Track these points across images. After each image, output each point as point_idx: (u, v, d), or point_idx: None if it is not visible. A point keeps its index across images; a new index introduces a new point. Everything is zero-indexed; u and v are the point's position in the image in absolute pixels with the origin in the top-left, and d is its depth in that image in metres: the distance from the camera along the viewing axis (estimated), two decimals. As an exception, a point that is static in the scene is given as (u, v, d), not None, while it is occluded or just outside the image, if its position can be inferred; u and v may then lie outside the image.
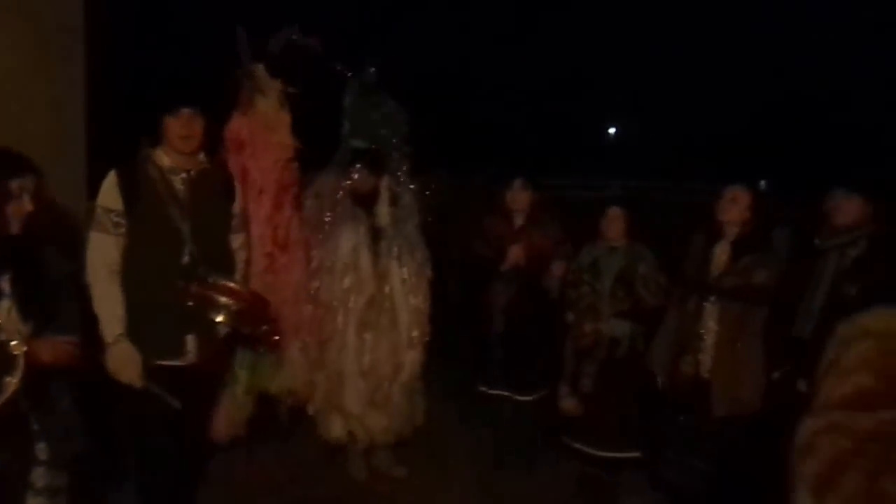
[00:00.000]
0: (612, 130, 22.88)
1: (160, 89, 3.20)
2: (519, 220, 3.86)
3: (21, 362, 2.26)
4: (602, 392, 3.46)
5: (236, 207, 2.98)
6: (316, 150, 3.85)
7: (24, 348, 2.28)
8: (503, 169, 4.11)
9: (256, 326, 2.91)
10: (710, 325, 3.31)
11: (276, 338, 3.16)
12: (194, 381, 2.78)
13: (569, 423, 3.59)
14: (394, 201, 3.66)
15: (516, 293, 3.78)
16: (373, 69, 3.73)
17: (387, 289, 3.60)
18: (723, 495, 3.35)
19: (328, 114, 3.85)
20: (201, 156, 2.87)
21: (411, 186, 3.75)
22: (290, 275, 3.57)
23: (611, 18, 18.22)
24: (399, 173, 3.70)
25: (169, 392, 2.66)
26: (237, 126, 3.47)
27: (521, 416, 3.90)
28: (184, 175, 2.78)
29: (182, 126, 2.74)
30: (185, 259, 2.71)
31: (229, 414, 3.49)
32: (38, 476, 2.36)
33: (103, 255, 2.68)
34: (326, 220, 3.63)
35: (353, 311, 3.55)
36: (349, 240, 3.56)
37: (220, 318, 2.74)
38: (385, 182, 3.65)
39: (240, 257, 3.04)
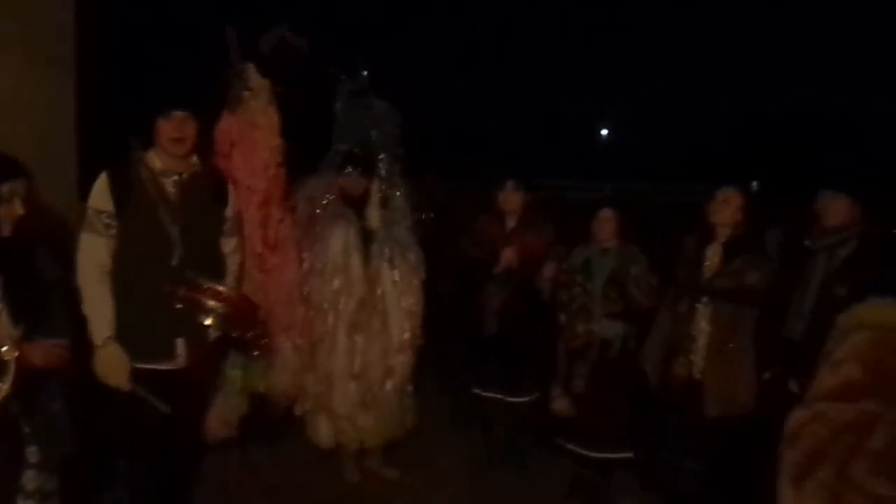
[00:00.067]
0: (604, 132, 22.95)
1: (151, 91, 3.19)
2: (511, 222, 3.87)
3: (12, 367, 2.26)
4: (594, 393, 3.47)
5: (229, 211, 2.97)
6: (307, 151, 3.85)
7: (16, 353, 2.27)
8: (496, 170, 4.12)
9: (245, 330, 2.89)
10: (703, 327, 3.32)
11: (265, 341, 3.15)
12: (184, 384, 2.77)
13: (561, 423, 3.60)
14: (384, 203, 3.65)
15: (509, 295, 3.78)
16: (365, 71, 3.73)
17: (378, 291, 3.59)
18: (715, 496, 3.36)
19: (319, 115, 3.85)
20: (193, 158, 2.86)
21: (402, 188, 3.75)
22: (282, 276, 3.56)
23: (604, 21, 18.30)
24: (390, 175, 3.70)
25: (157, 395, 2.64)
26: (227, 126, 3.46)
27: (513, 418, 3.91)
28: (175, 178, 2.77)
29: (174, 129, 2.73)
30: (175, 262, 2.70)
31: (223, 415, 3.48)
32: (29, 479, 2.36)
33: (93, 256, 2.67)
34: (317, 221, 3.63)
35: (343, 314, 3.55)
36: (339, 242, 3.55)
37: (208, 322, 2.73)
38: (375, 184, 3.65)
39: (234, 261, 3.03)
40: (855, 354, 1.64)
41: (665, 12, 17.74)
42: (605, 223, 3.56)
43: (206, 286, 2.70)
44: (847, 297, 2.90)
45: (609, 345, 3.48)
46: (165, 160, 2.77)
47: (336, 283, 3.54)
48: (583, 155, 18.24)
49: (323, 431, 3.67)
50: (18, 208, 2.37)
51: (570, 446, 3.57)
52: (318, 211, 3.65)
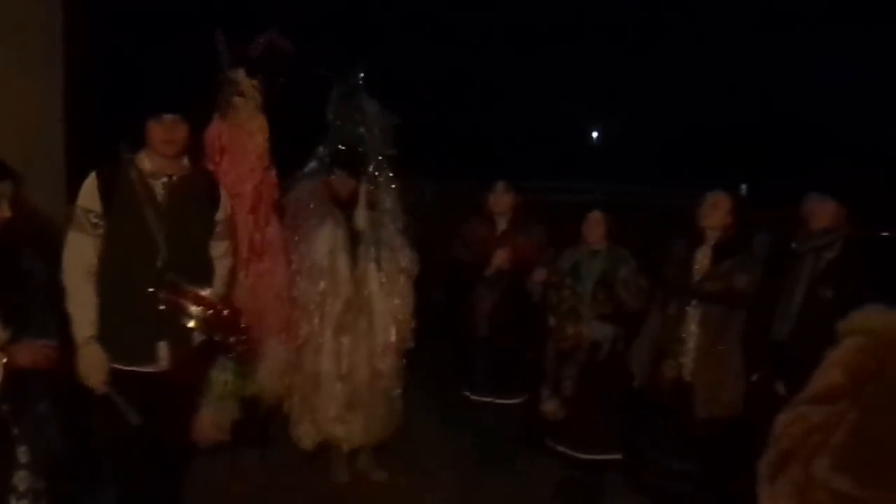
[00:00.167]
0: (594, 135, 23.02)
1: (141, 93, 3.18)
2: (502, 224, 3.87)
3: (0, 368, 2.26)
4: (583, 395, 3.48)
5: (220, 214, 2.96)
6: (298, 153, 3.85)
7: (4, 360, 2.29)
8: (487, 172, 4.12)
9: (227, 335, 2.87)
10: (692, 329, 3.34)
11: (247, 347, 3.13)
12: (168, 387, 2.76)
13: (551, 425, 3.61)
14: (371, 205, 3.65)
15: (500, 297, 3.78)
16: (361, 73, 3.72)
17: (365, 292, 3.59)
18: (704, 497, 3.38)
19: (310, 117, 3.85)
20: (184, 161, 2.85)
21: (392, 189, 3.74)
22: (272, 280, 3.55)
23: (596, 24, 18.34)
24: (379, 176, 3.70)
25: (133, 403, 2.65)
26: (216, 132, 3.45)
27: (503, 419, 3.91)
28: (165, 179, 2.77)
29: (164, 131, 2.72)
30: (159, 264, 2.69)
31: (214, 420, 3.47)
32: (21, 479, 2.38)
33: (80, 255, 2.68)
34: (305, 222, 3.62)
35: (329, 315, 3.54)
36: (326, 242, 3.55)
37: (190, 325, 2.72)
38: (364, 185, 3.64)
39: (223, 264, 3.02)
40: (841, 359, 1.71)
41: (657, 16, 17.82)
42: (595, 225, 3.57)
43: (188, 290, 2.69)
44: (833, 300, 2.93)
45: (598, 347, 3.49)
46: (156, 162, 2.77)
47: (322, 283, 3.53)
48: (573, 157, 18.28)
49: (308, 433, 3.65)
50: (5, 210, 2.38)
51: (560, 448, 3.58)
52: (306, 212, 3.64)
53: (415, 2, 15.47)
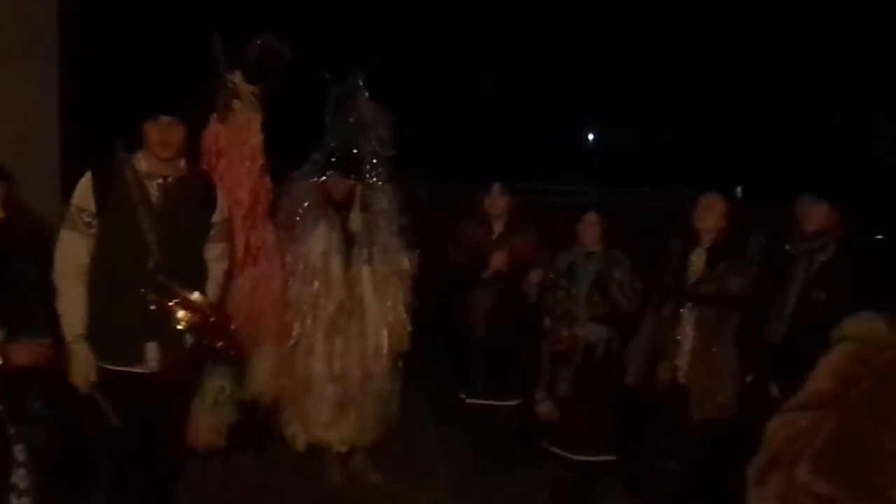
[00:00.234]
0: (590, 136, 23.07)
1: (137, 94, 3.18)
2: (499, 226, 3.87)
3: None
4: (578, 396, 3.49)
5: (217, 217, 2.95)
6: (294, 155, 3.84)
7: (0, 361, 2.31)
8: (481, 174, 4.12)
9: (214, 340, 2.86)
10: (687, 331, 3.35)
11: (234, 352, 3.12)
12: (159, 389, 2.76)
13: (545, 427, 3.61)
14: (364, 206, 3.64)
15: (498, 299, 3.79)
16: (360, 74, 3.72)
17: (357, 294, 3.58)
18: (697, 498, 3.39)
19: (307, 119, 3.85)
20: (181, 162, 2.85)
21: (389, 191, 3.74)
22: (268, 284, 3.54)
23: (591, 25, 18.38)
24: (373, 178, 3.70)
25: (132, 399, 2.66)
26: (213, 133, 3.45)
27: (497, 421, 3.91)
28: (160, 181, 2.77)
29: (161, 133, 2.73)
30: (150, 266, 2.69)
31: (211, 422, 3.47)
32: (21, 477, 2.41)
33: (71, 253, 2.69)
34: (300, 224, 3.62)
35: (321, 316, 3.54)
36: (320, 244, 3.55)
37: (179, 327, 2.72)
38: (359, 186, 3.64)
39: (218, 267, 3.01)
40: (830, 366, 1.74)
41: (652, 18, 17.88)
42: (590, 227, 3.58)
43: (176, 294, 2.69)
44: (826, 302, 2.95)
45: (593, 348, 3.49)
46: (152, 163, 2.77)
47: (315, 285, 3.53)
48: (569, 159, 18.31)
49: (300, 434, 3.65)
50: (-1, 211, 2.37)
51: (554, 449, 3.59)
52: (300, 213, 3.64)
53: (411, 3, 15.48)
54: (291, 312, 3.57)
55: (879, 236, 5.81)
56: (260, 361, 3.54)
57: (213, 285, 2.98)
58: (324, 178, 3.64)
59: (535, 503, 3.73)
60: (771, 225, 3.96)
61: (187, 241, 2.86)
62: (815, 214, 3.16)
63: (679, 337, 3.36)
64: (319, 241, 3.55)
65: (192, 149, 3.00)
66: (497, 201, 3.85)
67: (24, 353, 2.38)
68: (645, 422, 3.55)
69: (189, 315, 2.69)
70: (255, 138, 3.47)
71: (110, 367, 2.70)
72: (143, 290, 2.65)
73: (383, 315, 3.62)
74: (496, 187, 3.85)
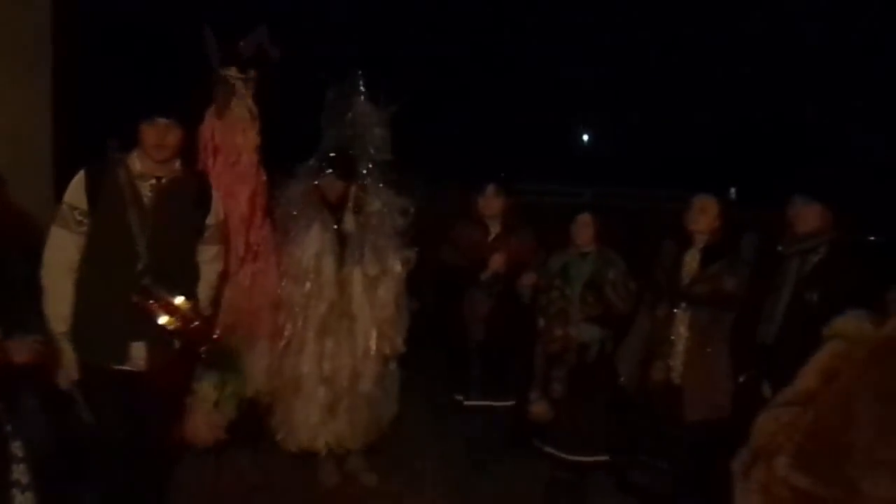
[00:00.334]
0: (585, 137, 23.13)
1: (132, 94, 3.18)
2: (495, 227, 3.88)
3: None
4: (572, 396, 3.50)
5: (211, 219, 2.94)
6: (291, 155, 3.85)
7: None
8: (475, 175, 4.12)
9: (195, 346, 2.84)
10: (681, 332, 3.36)
11: (216, 359, 3.14)
12: (148, 388, 2.76)
13: (539, 427, 3.62)
14: (359, 208, 3.64)
15: (496, 301, 3.79)
16: (359, 75, 3.73)
17: (349, 295, 3.58)
18: (692, 498, 3.40)
19: (305, 118, 3.85)
20: (176, 163, 2.84)
21: (384, 192, 3.73)
22: (265, 281, 3.55)
23: (586, 26, 18.43)
24: (368, 180, 3.70)
25: (120, 397, 2.68)
26: (209, 129, 3.45)
27: (492, 421, 3.92)
28: (153, 181, 2.76)
29: (157, 135, 2.72)
30: (139, 267, 2.69)
31: (211, 418, 3.47)
32: (22, 473, 2.43)
33: (61, 251, 2.69)
34: (294, 224, 3.62)
35: (312, 317, 3.54)
36: (313, 245, 3.54)
37: (163, 324, 2.72)
38: (352, 188, 3.64)
39: (212, 269, 3.01)
40: (818, 363, 1.78)
41: (646, 19, 17.95)
42: (584, 228, 3.58)
43: (160, 297, 2.68)
44: (818, 303, 2.96)
45: (586, 349, 3.50)
46: (146, 164, 2.77)
47: (307, 285, 3.53)
48: (563, 160, 18.34)
49: (291, 435, 3.64)
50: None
51: (548, 449, 3.59)
52: (295, 214, 3.64)
53: (406, 3, 15.50)
54: (284, 313, 3.57)
55: (871, 237, 5.84)
56: (257, 359, 3.55)
57: (205, 287, 2.98)
58: (319, 178, 3.64)
59: (529, 503, 3.73)
60: (764, 226, 3.98)
61: (178, 243, 2.85)
62: (808, 216, 3.17)
63: (673, 337, 3.37)
64: (313, 241, 3.55)
65: (187, 147, 2.99)
66: (491, 202, 3.86)
67: (24, 349, 2.40)
68: (638, 422, 3.56)
69: (171, 319, 2.68)
70: (252, 134, 3.47)
71: (97, 364, 2.70)
72: (127, 291, 2.65)
73: (374, 317, 3.61)
74: (490, 188, 3.86)
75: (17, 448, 2.43)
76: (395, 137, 3.80)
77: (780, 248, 3.26)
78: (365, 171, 3.70)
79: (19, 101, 3.72)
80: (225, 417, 3.52)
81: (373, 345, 3.61)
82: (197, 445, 3.48)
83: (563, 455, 3.54)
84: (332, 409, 3.60)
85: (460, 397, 3.92)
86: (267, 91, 3.52)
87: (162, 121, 2.72)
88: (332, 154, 3.64)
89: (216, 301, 3.19)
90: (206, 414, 3.44)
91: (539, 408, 3.59)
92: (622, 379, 3.54)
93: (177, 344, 2.83)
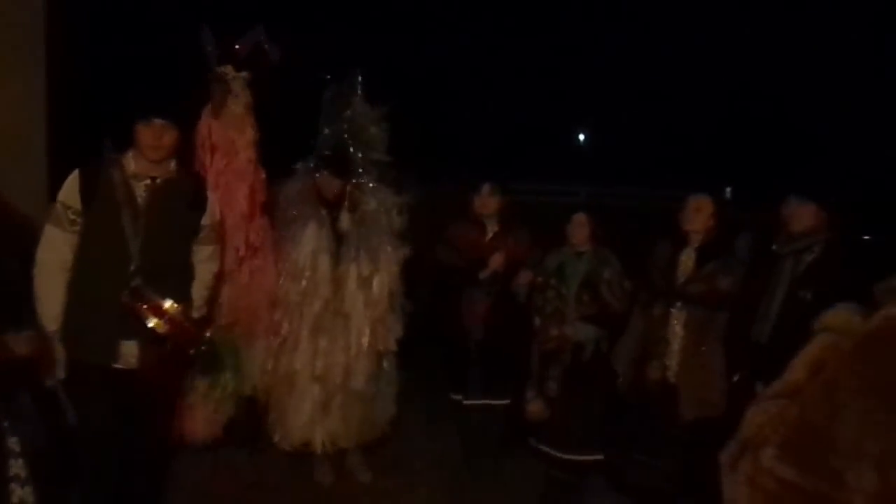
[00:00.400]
0: (581, 137, 23.16)
1: (132, 94, 3.17)
2: (493, 226, 3.88)
3: None
4: (567, 395, 3.50)
5: (207, 219, 2.94)
6: (287, 153, 3.85)
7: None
8: (469, 174, 4.13)
9: (184, 348, 2.84)
10: (677, 331, 3.38)
11: (204, 361, 3.14)
12: (140, 386, 2.76)
13: (535, 426, 3.62)
14: (353, 207, 3.64)
15: (495, 300, 3.79)
16: (358, 74, 3.73)
17: (344, 293, 3.58)
18: (687, 496, 3.41)
19: (300, 117, 3.85)
20: (171, 164, 2.84)
21: (380, 191, 3.73)
22: (263, 279, 3.56)
23: (582, 26, 18.46)
24: (364, 178, 3.69)
25: (112, 395, 2.69)
26: (206, 128, 3.45)
27: (488, 420, 3.92)
28: (147, 181, 2.76)
29: (152, 136, 2.72)
30: (132, 268, 2.69)
31: (210, 416, 3.47)
32: (20, 468, 2.47)
33: (54, 249, 2.70)
34: (291, 223, 3.61)
35: (307, 314, 3.54)
36: (309, 243, 3.55)
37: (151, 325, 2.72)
38: (349, 186, 3.64)
39: (207, 269, 3.00)
40: (806, 355, 1.80)
41: (642, 19, 17.98)
42: (579, 227, 3.59)
43: (149, 299, 2.68)
44: (812, 302, 2.97)
45: (582, 348, 3.51)
46: (141, 164, 2.76)
47: (303, 283, 3.53)
48: (558, 159, 18.36)
49: (284, 434, 3.64)
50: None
51: (543, 448, 3.60)
52: (292, 212, 3.64)
53: (401, 2, 15.50)
54: (280, 310, 3.57)
55: (866, 236, 5.86)
56: (255, 357, 3.55)
57: (199, 288, 2.97)
58: (316, 177, 3.64)
59: (525, 502, 3.74)
60: (758, 225, 3.99)
61: (172, 244, 2.85)
62: (802, 215, 3.18)
63: (668, 336, 3.39)
64: (309, 239, 3.55)
65: (184, 147, 2.98)
66: (487, 201, 3.86)
67: (23, 344, 2.44)
68: (634, 421, 3.56)
69: (160, 323, 2.68)
70: (249, 132, 3.47)
71: (88, 362, 2.70)
72: (118, 292, 2.65)
73: (368, 315, 3.61)
74: (485, 187, 3.86)
75: (13, 443, 2.46)
76: (391, 137, 3.80)
77: (774, 247, 3.27)
78: (362, 170, 3.70)
79: (13, 99, 3.72)
80: (223, 416, 3.52)
81: (365, 342, 3.61)
82: (194, 444, 3.48)
83: (559, 454, 3.55)
84: (325, 407, 3.60)
85: (459, 397, 3.92)
86: (264, 89, 3.52)
87: (158, 121, 2.72)
88: (329, 152, 3.64)
89: (211, 301, 3.18)
90: (205, 412, 3.44)
91: (535, 407, 3.60)
92: (621, 378, 3.55)
93: (168, 344, 2.83)
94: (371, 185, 3.71)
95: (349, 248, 3.59)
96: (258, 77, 3.50)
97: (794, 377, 1.80)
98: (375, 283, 3.63)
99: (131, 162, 2.76)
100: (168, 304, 2.70)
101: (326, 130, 3.74)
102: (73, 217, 2.69)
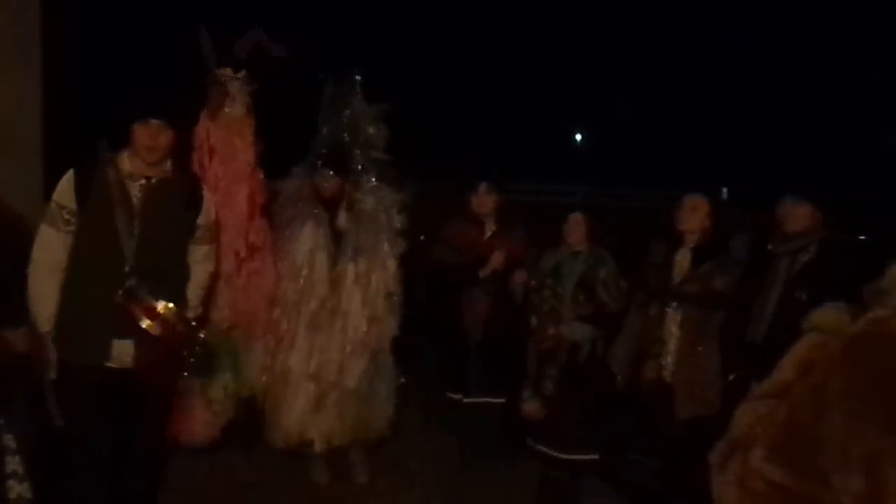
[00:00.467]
0: (577, 137, 23.18)
1: (128, 94, 3.16)
2: (491, 225, 3.88)
3: None
4: (563, 395, 3.50)
5: (202, 219, 2.93)
6: (286, 153, 3.85)
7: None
8: (466, 173, 4.14)
9: (177, 350, 2.82)
10: (672, 330, 3.38)
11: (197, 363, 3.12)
12: (137, 386, 2.76)
13: (531, 425, 3.62)
14: (352, 205, 3.64)
15: (494, 298, 3.80)
16: (357, 73, 3.73)
17: (340, 292, 3.58)
18: (683, 495, 3.41)
19: (299, 117, 3.85)
20: (167, 164, 2.83)
21: (378, 190, 3.73)
22: (262, 280, 3.56)
23: (579, 26, 18.47)
24: (362, 177, 3.69)
25: (106, 397, 2.69)
26: (204, 130, 3.44)
27: (485, 420, 3.92)
28: (142, 181, 2.74)
29: (150, 136, 2.70)
30: (126, 268, 2.68)
31: (210, 417, 3.46)
32: (17, 464, 2.49)
33: (48, 249, 2.69)
34: (290, 221, 3.61)
35: (304, 312, 3.55)
36: (307, 241, 3.55)
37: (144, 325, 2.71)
38: (347, 185, 3.64)
39: (203, 269, 2.99)
40: (795, 355, 1.80)
41: (641, 19, 17.99)
42: (576, 227, 3.59)
43: (143, 301, 2.66)
44: (807, 302, 2.97)
45: (578, 347, 3.51)
46: (136, 164, 2.75)
47: (300, 281, 3.53)
48: (555, 159, 18.37)
49: (279, 432, 3.64)
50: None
51: (540, 447, 3.60)
52: (290, 210, 3.64)
53: (400, 1, 15.49)
54: (278, 310, 3.58)
55: (862, 237, 5.88)
56: (254, 358, 3.55)
57: (195, 288, 2.97)
58: (315, 175, 3.64)
59: (521, 501, 3.74)
60: (754, 226, 4.00)
61: (167, 244, 2.83)
62: (797, 215, 3.19)
63: (664, 336, 3.39)
64: (307, 238, 3.56)
65: (180, 147, 2.97)
66: (484, 200, 3.87)
67: (20, 340, 2.47)
68: (630, 420, 3.57)
69: (152, 324, 2.66)
70: (247, 134, 3.47)
71: (82, 363, 2.68)
72: (111, 292, 2.64)
73: (365, 313, 3.61)
74: (482, 186, 3.87)
75: (9, 440, 2.47)
76: (389, 136, 3.80)
77: (770, 247, 3.27)
78: (360, 168, 3.70)
79: (9, 99, 3.71)
80: (222, 418, 3.52)
81: (363, 340, 3.61)
82: (191, 444, 3.48)
83: (555, 453, 3.55)
84: (319, 404, 3.60)
85: (458, 396, 3.93)
86: (263, 90, 3.52)
87: (154, 122, 2.71)
88: (327, 151, 3.65)
89: (207, 301, 3.18)
90: (203, 414, 3.44)
91: (531, 406, 3.60)
92: (618, 378, 3.55)
93: (161, 345, 2.82)
94: (370, 183, 3.71)
95: (347, 247, 3.60)
96: (257, 77, 3.49)
97: (783, 377, 1.80)
98: (373, 281, 3.63)
99: (126, 162, 2.75)
100: (161, 305, 2.69)
101: (325, 129, 3.75)
102: (67, 217, 2.68)
